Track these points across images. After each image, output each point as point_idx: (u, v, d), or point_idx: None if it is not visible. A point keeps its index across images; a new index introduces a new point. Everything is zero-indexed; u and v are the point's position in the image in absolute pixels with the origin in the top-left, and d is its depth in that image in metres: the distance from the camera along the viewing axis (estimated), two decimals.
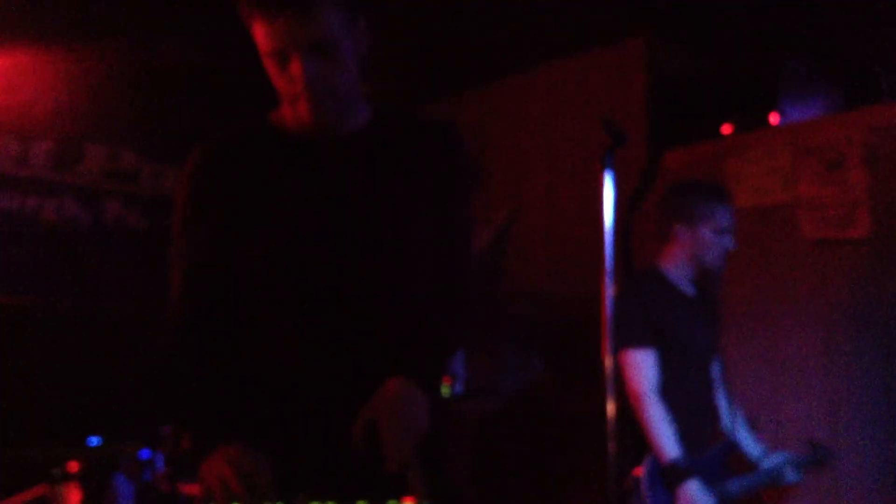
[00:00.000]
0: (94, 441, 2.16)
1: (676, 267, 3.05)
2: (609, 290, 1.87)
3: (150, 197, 5.03)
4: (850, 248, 3.72)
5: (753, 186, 4.05)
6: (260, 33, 1.57)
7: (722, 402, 3.17)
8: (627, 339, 2.85)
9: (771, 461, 3.12)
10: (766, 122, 4.07)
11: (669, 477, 2.74)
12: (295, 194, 1.67)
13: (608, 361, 1.90)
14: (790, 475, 3.12)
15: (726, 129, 4.19)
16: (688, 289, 3.06)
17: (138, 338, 2.34)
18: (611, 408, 1.89)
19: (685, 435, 2.82)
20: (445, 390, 4.24)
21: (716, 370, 3.14)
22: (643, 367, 2.83)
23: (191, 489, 2.87)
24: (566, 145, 4.82)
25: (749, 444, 3.19)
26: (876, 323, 3.63)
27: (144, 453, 2.10)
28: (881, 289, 3.62)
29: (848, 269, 3.73)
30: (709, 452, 2.96)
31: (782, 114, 4.03)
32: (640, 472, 2.80)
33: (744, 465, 3.17)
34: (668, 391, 2.85)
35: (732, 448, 3.06)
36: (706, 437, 3.02)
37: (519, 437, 4.72)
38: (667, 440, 2.76)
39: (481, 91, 5.31)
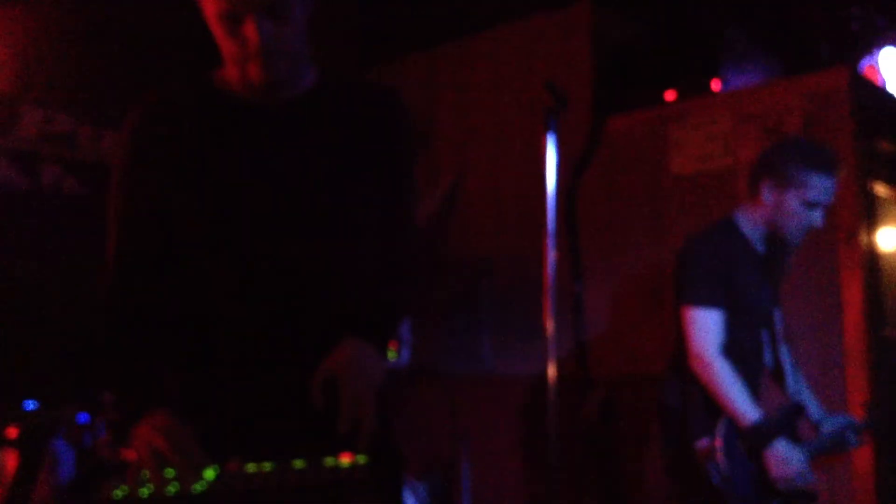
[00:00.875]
0: (31, 405, 2.12)
1: (753, 223, 2.82)
2: (551, 253, 1.88)
3: (88, 162, 4.91)
4: None
5: (695, 152, 4.10)
6: None
7: (786, 361, 2.97)
8: (694, 296, 2.71)
9: (832, 424, 2.89)
10: (707, 88, 4.12)
11: (754, 440, 2.59)
12: (237, 156, 1.64)
13: (549, 325, 1.92)
14: (852, 440, 2.87)
15: (669, 95, 4.23)
16: (759, 246, 2.84)
17: (76, 302, 2.29)
18: (552, 371, 1.92)
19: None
20: (392, 354, 4.25)
21: (779, 327, 2.96)
22: (711, 327, 2.66)
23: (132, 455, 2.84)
24: (511, 110, 4.82)
25: (811, 404, 2.96)
26: (813, 287, 3.71)
27: (82, 417, 2.07)
28: (818, 252, 3.70)
29: None
30: (776, 415, 2.77)
31: (724, 81, 4.08)
32: (716, 441, 2.62)
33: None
34: (732, 346, 2.70)
35: (800, 411, 2.83)
36: (757, 396, 2.82)
37: (462, 400, 4.76)
38: (744, 402, 2.60)
39: (427, 55, 5.27)
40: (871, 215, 3.85)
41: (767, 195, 2.74)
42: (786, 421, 2.76)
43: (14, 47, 4.65)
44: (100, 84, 4.92)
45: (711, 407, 2.66)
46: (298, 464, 1.33)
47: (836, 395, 3.60)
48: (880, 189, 4.37)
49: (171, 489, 1.21)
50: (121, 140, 1.71)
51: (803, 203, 2.69)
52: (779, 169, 2.72)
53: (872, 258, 3.84)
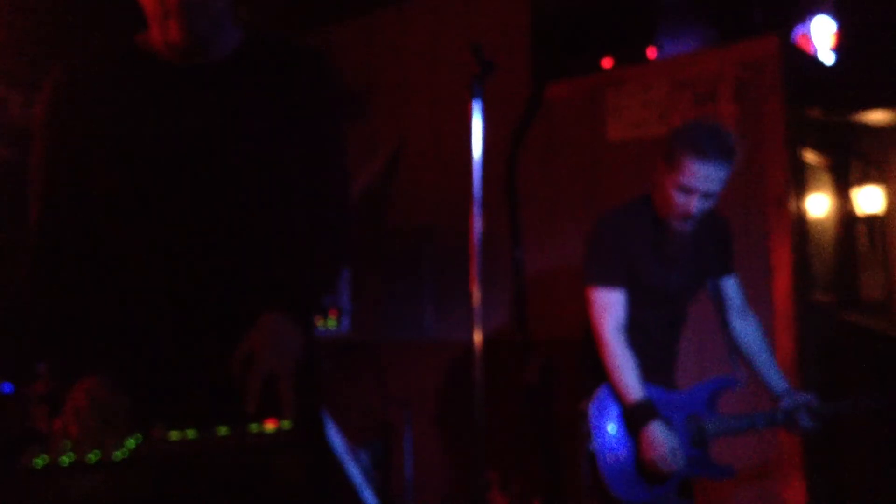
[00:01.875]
0: None
1: (650, 203, 2.77)
2: (477, 220, 1.89)
3: (17, 126, 4.80)
4: None
5: (631, 119, 4.14)
6: None
7: (748, 333, 2.95)
8: (595, 276, 2.71)
9: (791, 401, 2.81)
10: (644, 56, 4.15)
11: (633, 418, 2.62)
12: (158, 118, 1.61)
13: (475, 292, 1.93)
14: (805, 420, 2.78)
15: (606, 62, 4.25)
16: (655, 226, 2.75)
17: (3, 271, 2.25)
18: (477, 337, 1.93)
19: (650, 374, 2.70)
20: (331, 323, 4.25)
21: (733, 300, 2.94)
22: (608, 307, 2.66)
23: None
24: (448, 77, 4.81)
25: (774, 377, 2.89)
26: (742, 249, 3.78)
27: (6, 387, 2.02)
28: (748, 221, 3.77)
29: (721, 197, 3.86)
30: (694, 388, 2.81)
31: (659, 48, 4.11)
32: (587, 405, 2.68)
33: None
34: (633, 330, 2.70)
35: (727, 384, 2.84)
36: (666, 372, 2.85)
37: (404, 366, 4.78)
38: (629, 381, 2.61)
39: (364, 20, 5.23)
40: (800, 182, 3.93)
41: (655, 174, 2.70)
42: (697, 395, 2.78)
43: None
44: (30, 50, 4.80)
45: (599, 373, 2.71)
46: (222, 430, 1.33)
47: None
48: (809, 156, 4.47)
49: (92, 457, 1.21)
50: (40, 101, 1.67)
51: (678, 187, 2.58)
52: (666, 151, 2.64)
53: (801, 224, 3.93)
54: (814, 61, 3.94)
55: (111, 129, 1.61)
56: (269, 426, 1.35)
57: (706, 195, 2.58)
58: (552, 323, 4.24)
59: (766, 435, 3.61)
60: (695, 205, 2.57)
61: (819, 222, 4.50)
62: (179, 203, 1.61)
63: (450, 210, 4.73)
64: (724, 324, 2.96)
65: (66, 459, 1.20)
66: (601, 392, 2.70)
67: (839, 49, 3.94)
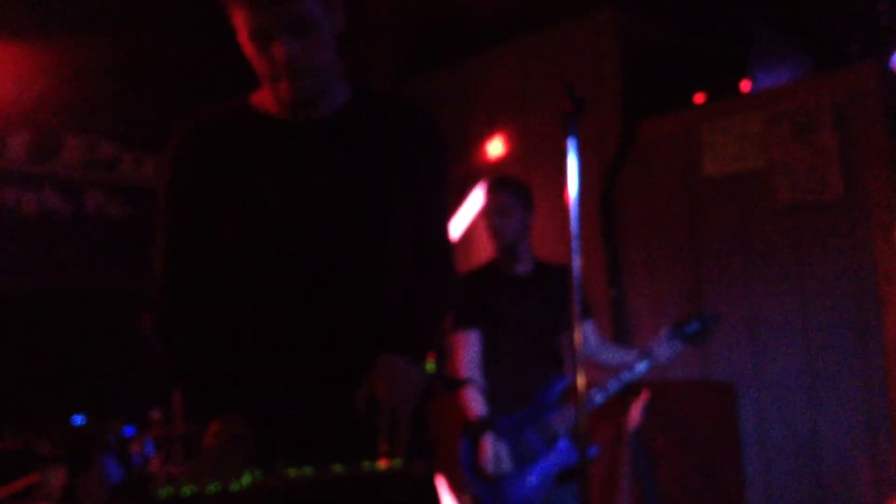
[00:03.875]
0: (79, 420, 2.19)
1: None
2: (576, 260, 1.90)
3: (129, 186, 5.03)
4: (823, 211, 3.77)
5: (727, 153, 4.09)
6: (240, 16, 1.60)
7: (616, 358, 3.36)
8: (453, 323, 3.22)
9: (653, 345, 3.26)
10: (737, 89, 4.11)
11: (471, 431, 3.11)
12: (275, 174, 1.69)
13: (577, 333, 1.94)
14: (658, 359, 3.22)
15: (699, 97, 4.23)
16: (520, 268, 3.30)
17: (121, 321, 2.37)
18: (581, 379, 1.94)
19: (507, 399, 3.15)
20: (430, 366, 4.28)
21: (588, 336, 3.38)
22: (463, 346, 3.18)
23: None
24: (541, 119, 4.85)
25: (630, 356, 3.30)
26: (850, 283, 3.69)
27: (129, 430, 2.13)
28: (854, 249, 3.68)
29: (822, 231, 3.78)
30: (534, 399, 3.20)
31: (753, 80, 4.07)
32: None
33: None
34: (493, 357, 3.19)
35: (559, 383, 3.23)
36: (529, 396, 3.22)
37: None
38: (472, 401, 3.10)
39: (457, 67, 5.32)
40: None
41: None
42: (542, 401, 3.19)
43: (56, 80, 4.79)
44: (140, 111, 5.04)
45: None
46: (337, 468, 1.37)
47: (878, 388, 3.57)
48: None
49: (213, 488, 1.27)
50: (164, 161, 1.77)
51: (482, 214, 3.34)
52: None
53: None
54: None
55: (230, 183, 1.70)
56: (382, 465, 1.38)
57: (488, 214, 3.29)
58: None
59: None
60: (490, 221, 3.27)
61: None
62: (298, 251, 1.68)
63: (543, 252, 4.74)
64: (588, 359, 3.33)
65: (187, 491, 1.26)
66: (462, 446, 3.19)
67: None
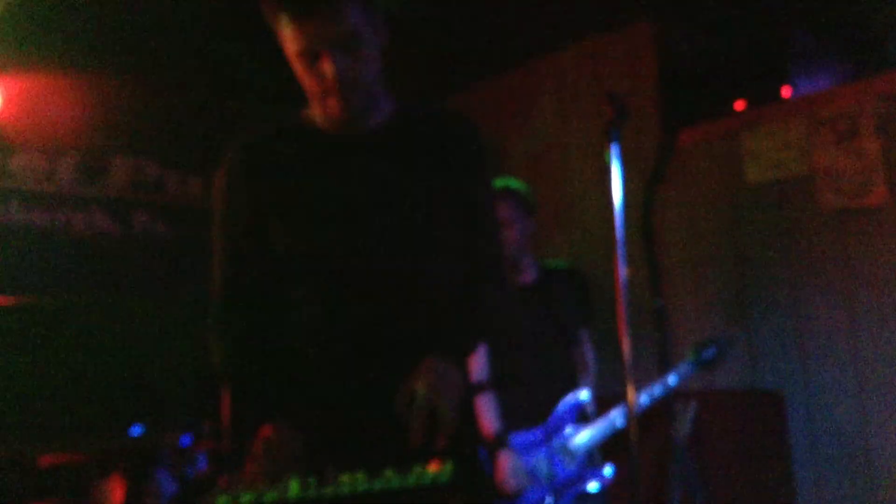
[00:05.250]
0: (137, 431, 2.23)
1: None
2: (622, 269, 1.90)
3: (175, 205, 5.12)
4: (869, 216, 3.74)
5: (769, 160, 4.07)
6: (288, 34, 1.65)
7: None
8: None
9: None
10: (778, 95, 4.09)
11: (489, 447, 3.01)
12: (327, 187, 1.75)
13: (626, 344, 1.94)
14: (676, 382, 3.18)
15: (739, 105, 4.21)
16: (525, 277, 3.24)
17: (172, 334, 2.42)
18: (630, 392, 1.94)
19: (517, 411, 3.08)
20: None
21: (581, 347, 3.34)
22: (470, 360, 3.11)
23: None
24: (580, 132, 4.86)
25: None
26: None
27: (185, 440, 2.17)
28: None
29: (867, 236, 3.74)
30: (552, 417, 3.13)
31: (794, 87, 4.05)
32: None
33: None
34: (505, 371, 3.09)
35: (575, 402, 3.17)
36: (544, 409, 3.17)
37: None
38: (489, 418, 3.01)
39: (495, 81, 5.36)
40: None
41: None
42: (558, 420, 3.13)
43: (103, 103, 4.90)
44: (184, 131, 5.14)
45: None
46: (389, 473, 1.38)
47: None
48: None
49: (270, 496, 1.30)
50: (218, 178, 1.83)
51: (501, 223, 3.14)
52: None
53: None
54: None
55: (283, 197, 1.76)
56: (433, 468, 1.40)
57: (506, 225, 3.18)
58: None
59: None
60: (510, 233, 3.18)
61: None
62: (347, 260, 1.74)
63: (584, 262, 4.74)
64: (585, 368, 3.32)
65: (246, 499, 1.29)
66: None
67: None
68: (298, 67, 1.69)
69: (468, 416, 1.78)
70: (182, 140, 5.14)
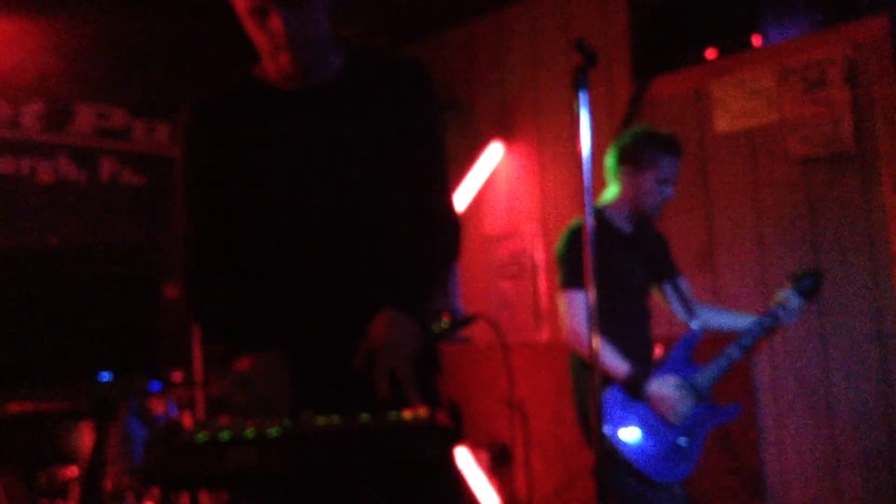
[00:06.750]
0: (105, 377, 2.25)
1: (617, 207, 3.16)
2: (589, 217, 1.92)
3: (142, 153, 5.07)
4: (836, 165, 3.78)
5: (739, 109, 4.09)
6: None
7: (680, 311, 3.30)
8: (568, 280, 3.04)
9: (770, 311, 3.14)
10: (748, 44, 4.09)
11: (632, 388, 2.92)
12: (278, 142, 1.78)
13: (591, 292, 1.96)
14: (785, 316, 3.10)
15: (710, 53, 4.21)
16: (625, 226, 3.17)
17: (138, 282, 2.43)
18: (595, 340, 1.96)
19: (627, 355, 2.97)
20: (446, 324, 4.32)
21: (670, 288, 3.31)
22: (580, 306, 2.98)
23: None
24: (550, 80, 4.85)
25: (743, 320, 3.21)
26: (863, 237, 3.70)
27: (154, 385, 2.19)
28: (868, 203, 3.68)
29: (834, 185, 3.79)
30: (669, 356, 3.06)
31: (764, 35, 4.05)
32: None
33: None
34: (609, 318, 2.89)
35: (693, 339, 3.11)
36: (645, 356, 3.10)
37: (512, 368, 4.83)
38: (614, 360, 2.92)
39: (464, 28, 5.32)
40: None
41: (626, 178, 3.13)
42: (675, 359, 3.05)
43: (66, 50, 4.81)
44: (151, 79, 5.07)
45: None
46: (363, 417, 1.41)
47: (891, 340, 3.60)
48: None
49: (249, 433, 1.32)
50: (178, 135, 1.88)
51: (657, 181, 3.09)
52: (635, 154, 3.11)
53: None
54: None
55: (237, 152, 1.79)
56: (406, 414, 1.42)
57: (674, 182, 3.13)
58: (673, 321, 4.22)
59: None
60: (672, 190, 3.12)
61: None
62: (303, 213, 1.77)
63: (555, 212, 4.76)
64: (688, 314, 3.28)
65: (225, 435, 1.32)
66: (603, 403, 2.86)
67: None
68: (249, 24, 1.72)
69: (432, 364, 1.81)
70: (149, 87, 5.08)
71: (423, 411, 1.42)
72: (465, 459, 4.80)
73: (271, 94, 1.81)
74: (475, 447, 4.86)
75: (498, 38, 5.16)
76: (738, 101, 4.10)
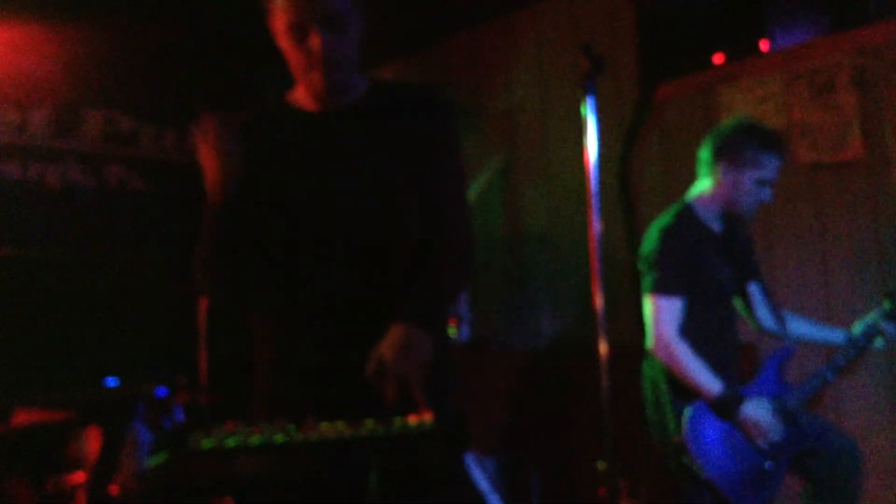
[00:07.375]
0: (112, 382, 2.25)
1: (708, 203, 2.99)
2: (596, 222, 1.91)
3: (149, 159, 5.08)
4: (844, 171, 3.76)
5: (747, 114, 4.07)
6: (279, 9, 1.77)
7: (767, 316, 3.19)
8: (659, 285, 2.84)
9: (861, 329, 3.05)
10: (756, 49, 4.08)
11: (725, 407, 2.74)
12: (302, 162, 1.88)
13: (598, 298, 1.95)
14: (883, 332, 3.01)
15: (717, 58, 4.20)
16: (715, 225, 3.00)
17: (146, 288, 2.43)
18: (602, 345, 1.96)
19: (715, 367, 2.80)
20: (452, 331, 4.32)
21: (757, 291, 3.20)
22: (672, 314, 2.80)
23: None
24: (558, 84, 4.84)
25: (831, 333, 3.14)
26: (872, 244, 3.68)
27: (161, 391, 2.19)
28: (875, 210, 3.67)
29: (842, 191, 3.77)
30: (761, 374, 2.92)
31: (772, 40, 4.04)
32: (681, 437, 2.74)
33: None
34: (696, 326, 2.83)
35: (786, 355, 2.99)
36: (732, 367, 2.95)
37: (519, 372, 4.81)
38: (706, 377, 2.74)
39: (470, 34, 5.31)
40: None
41: (724, 176, 2.92)
42: (767, 378, 2.91)
43: (74, 56, 4.83)
44: (159, 85, 5.08)
45: (679, 399, 2.80)
46: (369, 423, 1.41)
47: None
48: None
49: (255, 440, 1.33)
50: (190, 144, 1.93)
51: (757, 181, 2.88)
52: (735, 151, 2.90)
53: None
54: None
55: (271, 169, 1.87)
56: (412, 420, 1.42)
57: (774, 184, 2.92)
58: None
59: None
60: (770, 194, 2.91)
61: None
62: (320, 230, 1.84)
63: (562, 217, 4.75)
64: (776, 321, 3.19)
65: (231, 442, 1.33)
66: (689, 419, 2.75)
67: None
68: (286, 42, 1.80)
69: (444, 377, 1.85)
70: (157, 93, 5.08)
71: (428, 418, 1.42)
72: (472, 467, 4.78)
73: (302, 116, 1.90)
74: (483, 454, 4.85)
75: (504, 45, 5.15)
76: (745, 106, 4.08)
